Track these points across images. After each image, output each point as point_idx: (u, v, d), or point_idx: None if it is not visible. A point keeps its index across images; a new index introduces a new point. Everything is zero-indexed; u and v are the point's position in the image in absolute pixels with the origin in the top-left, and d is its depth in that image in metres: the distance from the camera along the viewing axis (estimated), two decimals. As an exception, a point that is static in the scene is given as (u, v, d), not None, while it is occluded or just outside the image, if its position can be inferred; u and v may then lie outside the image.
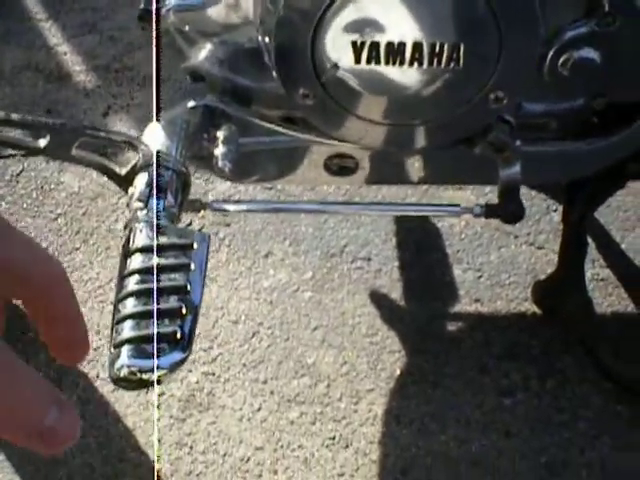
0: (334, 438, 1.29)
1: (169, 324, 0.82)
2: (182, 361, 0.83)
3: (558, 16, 0.89)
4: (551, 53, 0.91)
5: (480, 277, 1.48)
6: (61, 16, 2.06)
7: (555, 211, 1.55)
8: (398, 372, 1.36)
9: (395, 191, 1.53)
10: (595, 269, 1.48)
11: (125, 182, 0.94)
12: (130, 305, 0.83)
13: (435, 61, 0.85)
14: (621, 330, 1.42)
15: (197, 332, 1.27)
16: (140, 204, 0.91)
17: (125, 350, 0.80)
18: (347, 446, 1.28)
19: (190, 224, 1.52)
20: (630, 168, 1.09)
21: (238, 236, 1.51)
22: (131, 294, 0.83)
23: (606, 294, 1.46)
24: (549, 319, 1.42)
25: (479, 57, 0.86)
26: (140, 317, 0.82)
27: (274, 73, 0.93)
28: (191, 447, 1.28)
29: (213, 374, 1.35)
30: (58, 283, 0.43)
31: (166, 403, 1.32)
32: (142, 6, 0.92)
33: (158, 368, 0.82)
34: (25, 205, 1.61)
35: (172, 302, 0.84)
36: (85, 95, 1.86)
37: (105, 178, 1.65)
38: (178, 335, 0.82)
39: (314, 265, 1.49)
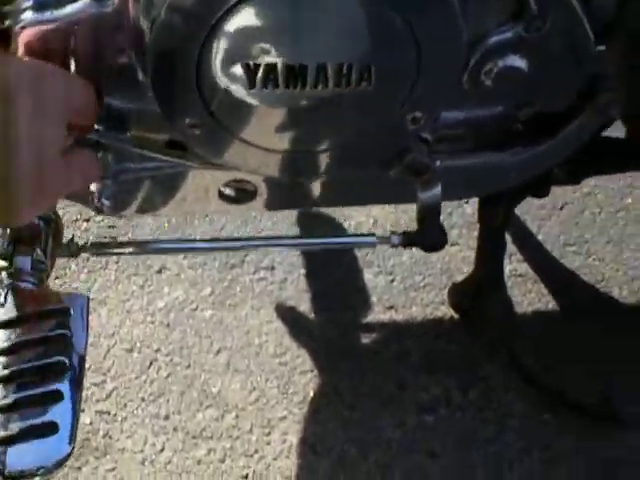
0: (247, 476, 1.18)
1: (48, 414, 0.69)
2: (68, 456, 0.71)
3: (481, 21, 0.78)
4: (473, 61, 0.80)
5: (392, 281, 1.38)
6: None
7: (467, 203, 1.46)
8: (311, 394, 1.25)
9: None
10: (512, 264, 1.40)
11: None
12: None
13: (343, 82, 0.73)
14: (543, 330, 1.34)
15: (87, 365, 1.12)
16: (3, 263, 0.77)
17: (7, 452, 0.67)
18: (261, 484, 1.17)
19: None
20: (556, 175, 0.99)
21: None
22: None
23: (525, 291, 1.38)
24: (468, 323, 1.33)
25: (393, 76, 0.74)
26: (12, 410, 0.68)
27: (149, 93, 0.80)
28: (88, 499, 1.15)
29: (108, 413, 1.22)
30: None
31: (56, 451, 1.18)
32: (-13, 24, 0.77)
33: (44, 468, 0.69)
34: None
35: (49, 386, 0.70)
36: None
37: None
38: (59, 427, 0.69)
39: (213, 279, 1.36)
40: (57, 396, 0.71)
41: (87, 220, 1.41)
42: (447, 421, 1.24)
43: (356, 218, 1.44)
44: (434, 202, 0.86)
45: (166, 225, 1.42)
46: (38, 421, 0.69)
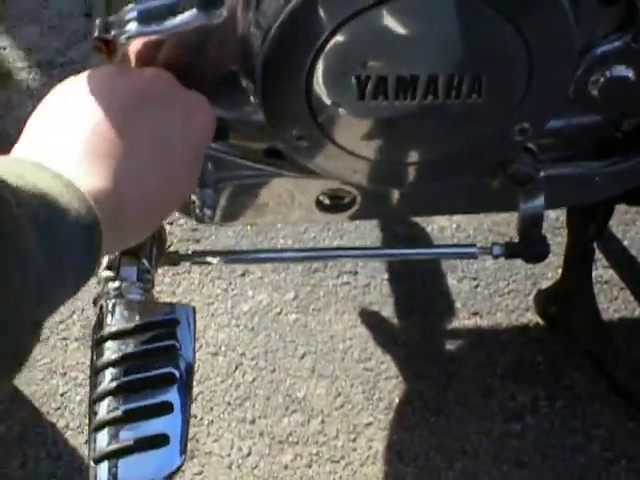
0: (333, 482, 1.18)
1: (158, 426, 0.70)
2: (178, 469, 0.71)
3: (590, 30, 0.76)
4: (581, 70, 0.79)
5: (477, 286, 1.36)
6: (-4, 5, 1.89)
7: (551, 207, 1.44)
8: (397, 401, 1.25)
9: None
10: (598, 270, 1.38)
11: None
12: (107, 408, 0.70)
13: (453, 94, 0.72)
14: (629, 337, 1.32)
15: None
16: (110, 273, 0.77)
17: (106, 467, 0.67)
18: (348, 490, 1.17)
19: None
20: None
21: (210, 254, 1.37)
22: (108, 393, 0.70)
23: (611, 298, 1.36)
24: (554, 330, 1.31)
25: (504, 88, 0.73)
26: (122, 422, 0.69)
27: (253, 101, 0.80)
28: (177, 503, 1.16)
29: (195, 416, 1.22)
30: None
31: (145, 454, 1.19)
32: (96, 34, 0.77)
33: (154, 482, 0.70)
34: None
35: (158, 398, 0.71)
36: (29, 95, 1.70)
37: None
38: (171, 440, 0.70)
39: (296, 283, 1.36)
40: (167, 407, 0.71)
41: (170, 223, 1.42)
42: (534, 430, 1.22)
43: (439, 222, 1.43)
44: (537, 212, 0.85)
45: (248, 228, 1.42)
46: (148, 433, 0.70)
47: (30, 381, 1.26)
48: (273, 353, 1.29)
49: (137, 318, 0.73)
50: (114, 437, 0.68)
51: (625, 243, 1.42)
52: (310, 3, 0.69)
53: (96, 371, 0.71)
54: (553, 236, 1.41)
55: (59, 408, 1.24)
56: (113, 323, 0.73)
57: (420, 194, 0.90)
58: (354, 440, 1.21)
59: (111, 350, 0.72)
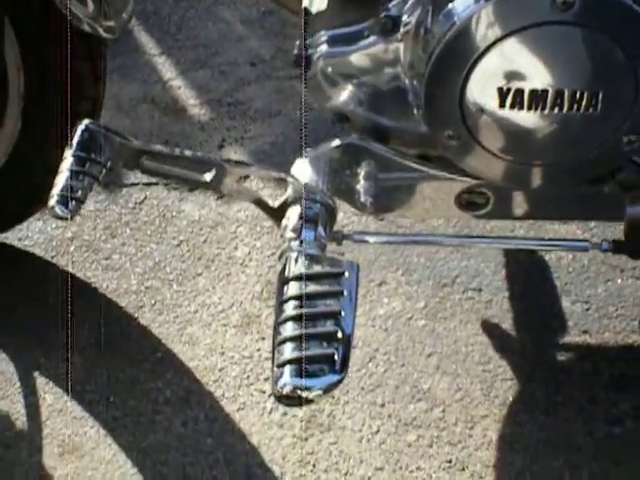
0: (450, 461, 1.35)
1: (327, 347, 0.90)
2: (338, 382, 0.90)
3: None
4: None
5: (588, 309, 1.52)
6: (174, 52, 2.16)
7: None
8: (510, 399, 1.41)
9: (503, 224, 1.60)
10: (700, 301, 1.52)
11: (277, 214, 1.02)
12: (290, 329, 0.90)
13: (575, 107, 0.91)
14: None
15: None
16: (293, 234, 0.99)
17: (287, 370, 0.87)
18: (463, 469, 1.33)
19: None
20: None
21: (352, 265, 1.58)
22: (290, 318, 0.91)
23: None
24: (657, 351, 1.46)
25: (616, 103, 0.92)
26: (299, 340, 0.89)
27: (415, 113, 1.00)
28: (314, 465, 1.35)
29: (333, 397, 1.41)
30: None
31: (289, 423, 1.39)
32: (296, 52, 1.00)
33: (316, 388, 0.89)
34: (149, 232, 1.70)
35: (328, 326, 0.91)
36: (200, 128, 1.95)
37: (223, 208, 1.74)
38: (335, 357, 0.89)
39: (427, 294, 1.55)
40: (333, 336, 0.91)
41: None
42: (634, 434, 1.37)
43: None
44: (640, 216, 1.02)
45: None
46: (318, 352, 0.90)
47: (194, 357, 1.48)
48: (403, 351, 1.48)
49: (313, 267, 0.94)
50: (293, 350, 0.89)
51: None
52: (462, 34, 0.90)
53: (280, 303, 0.92)
54: (660, 271, 1.56)
55: (217, 380, 1.45)
56: (296, 268, 0.93)
57: (541, 199, 1.09)
58: (471, 428, 1.38)
59: (293, 288, 0.93)
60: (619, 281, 1.57)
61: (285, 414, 1.40)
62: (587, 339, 1.49)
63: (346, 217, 1.61)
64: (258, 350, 1.48)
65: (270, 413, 1.41)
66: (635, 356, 1.46)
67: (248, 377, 1.45)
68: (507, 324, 1.51)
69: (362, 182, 1.06)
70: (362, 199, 1.05)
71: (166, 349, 1.50)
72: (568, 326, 1.51)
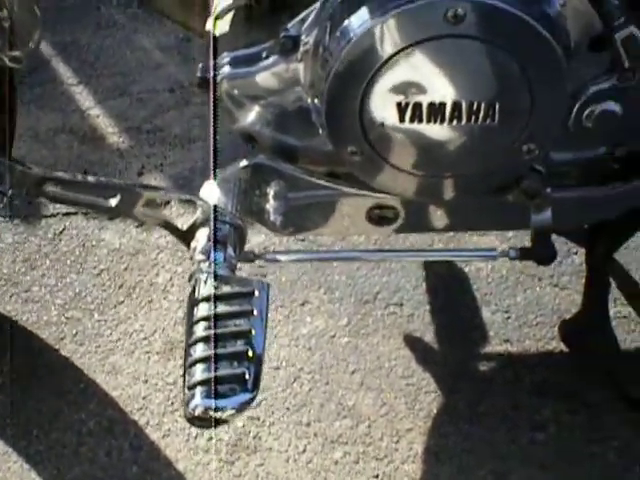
0: (377, 476, 1.35)
1: (237, 366, 0.90)
2: (250, 401, 0.90)
3: (582, 73, 0.97)
4: (576, 107, 0.99)
5: (508, 318, 1.54)
6: (92, 81, 2.15)
7: (576, 254, 1.63)
8: (435, 411, 1.42)
9: (422, 238, 1.61)
10: (617, 307, 1.55)
11: (186, 237, 1.02)
12: (200, 350, 0.90)
13: (473, 118, 0.93)
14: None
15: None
16: (202, 256, 0.99)
17: (198, 391, 0.87)
18: (390, 483, 1.34)
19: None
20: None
21: (275, 286, 1.57)
22: (200, 339, 0.91)
23: (629, 330, 1.53)
24: (576, 356, 1.48)
25: (512, 113, 0.94)
26: (210, 361, 0.89)
27: (321, 132, 1.02)
28: (241, 488, 1.34)
29: (258, 418, 1.41)
30: None
31: (215, 447, 1.38)
32: (199, 74, 1.00)
33: (228, 408, 0.89)
34: (69, 262, 1.68)
35: (239, 346, 0.91)
36: (119, 156, 1.94)
37: (144, 235, 1.73)
38: (246, 376, 0.89)
39: (349, 311, 1.56)
40: (244, 355, 0.91)
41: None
42: (557, 439, 1.39)
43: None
44: (545, 223, 1.04)
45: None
46: (228, 372, 0.90)
47: (117, 386, 1.47)
48: (327, 369, 1.48)
49: (222, 288, 0.94)
50: (203, 371, 0.89)
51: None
52: (358, 50, 0.92)
53: (191, 324, 0.92)
54: (578, 278, 1.59)
55: (141, 408, 1.44)
56: (205, 290, 0.93)
57: (449, 211, 1.11)
58: (397, 442, 1.39)
59: (202, 309, 0.93)
60: (538, 289, 1.59)
61: (211, 439, 1.39)
62: (508, 348, 1.51)
63: (267, 239, 1.62)
64: (182, 376, 1.47)
65: (196, 438, 1.40)
66: (555, 362, 1.48)
67: (172, 404, 1.44)
68: (429, 337, 1.52)
69: (272, 202, 1.06)
70: (272, 218, 1.06)
71: (89, 379, 1.48)
72: (489, 336, 1.52)
